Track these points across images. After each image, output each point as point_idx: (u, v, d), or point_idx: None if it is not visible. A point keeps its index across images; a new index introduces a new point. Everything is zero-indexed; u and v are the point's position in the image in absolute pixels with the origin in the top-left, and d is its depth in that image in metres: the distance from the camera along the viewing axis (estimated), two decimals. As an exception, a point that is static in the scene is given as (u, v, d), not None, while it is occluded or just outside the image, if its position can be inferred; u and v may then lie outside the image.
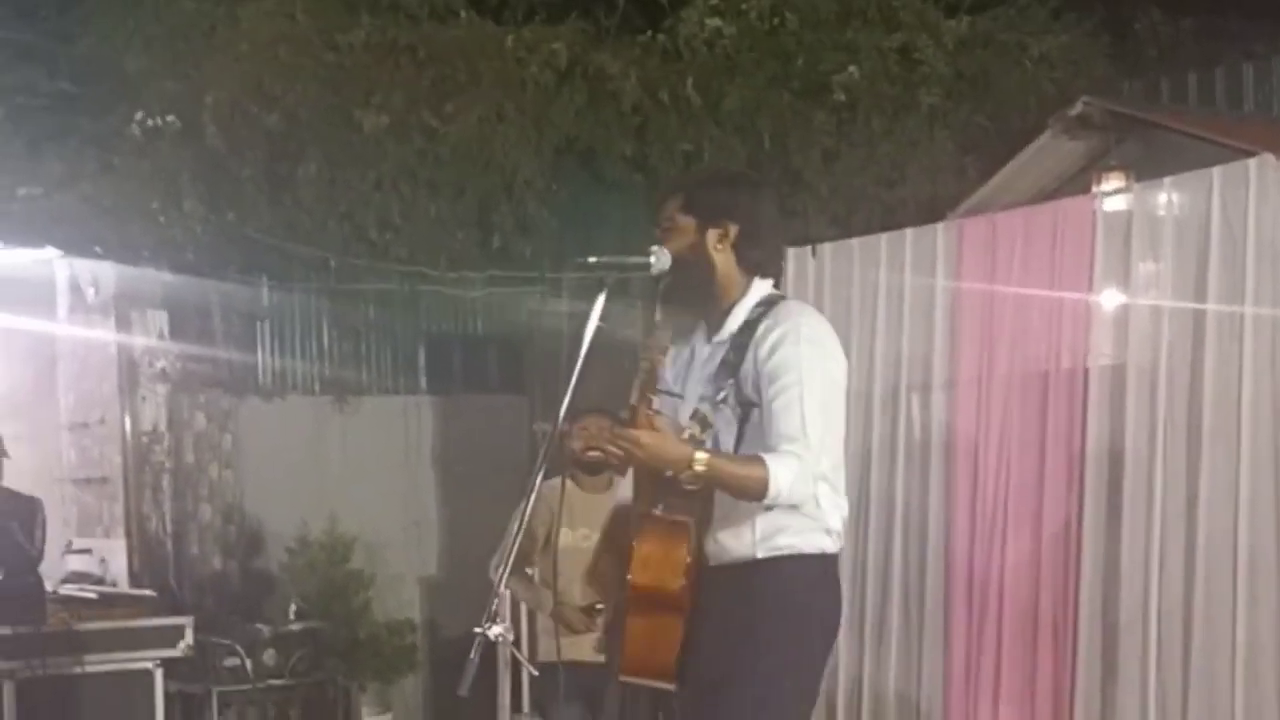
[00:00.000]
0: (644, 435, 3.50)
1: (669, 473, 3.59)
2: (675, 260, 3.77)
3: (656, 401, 3.72)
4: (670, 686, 3.77)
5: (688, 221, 3.81)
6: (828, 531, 3.77)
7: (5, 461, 7.63)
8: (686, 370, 3.90)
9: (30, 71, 10.17)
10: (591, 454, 5.76)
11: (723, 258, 3.81)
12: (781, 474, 3.56)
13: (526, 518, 3.65)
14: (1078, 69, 8.62)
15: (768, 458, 3.58)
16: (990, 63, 8.55)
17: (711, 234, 3.80)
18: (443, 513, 9.20)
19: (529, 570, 6.17)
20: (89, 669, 6.86)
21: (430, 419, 9.31)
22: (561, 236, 8.76)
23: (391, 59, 8.68)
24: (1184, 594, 5.47)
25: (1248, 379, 5.32)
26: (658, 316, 3.98)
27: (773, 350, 3.68)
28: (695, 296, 3.83)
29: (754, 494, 3.59)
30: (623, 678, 3.79)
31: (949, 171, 8.32)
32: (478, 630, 3.50)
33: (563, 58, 8.56)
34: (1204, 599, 5.40)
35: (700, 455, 3.53)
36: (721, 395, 3.68)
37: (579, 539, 5.94)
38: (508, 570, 3.67)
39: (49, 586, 8.03)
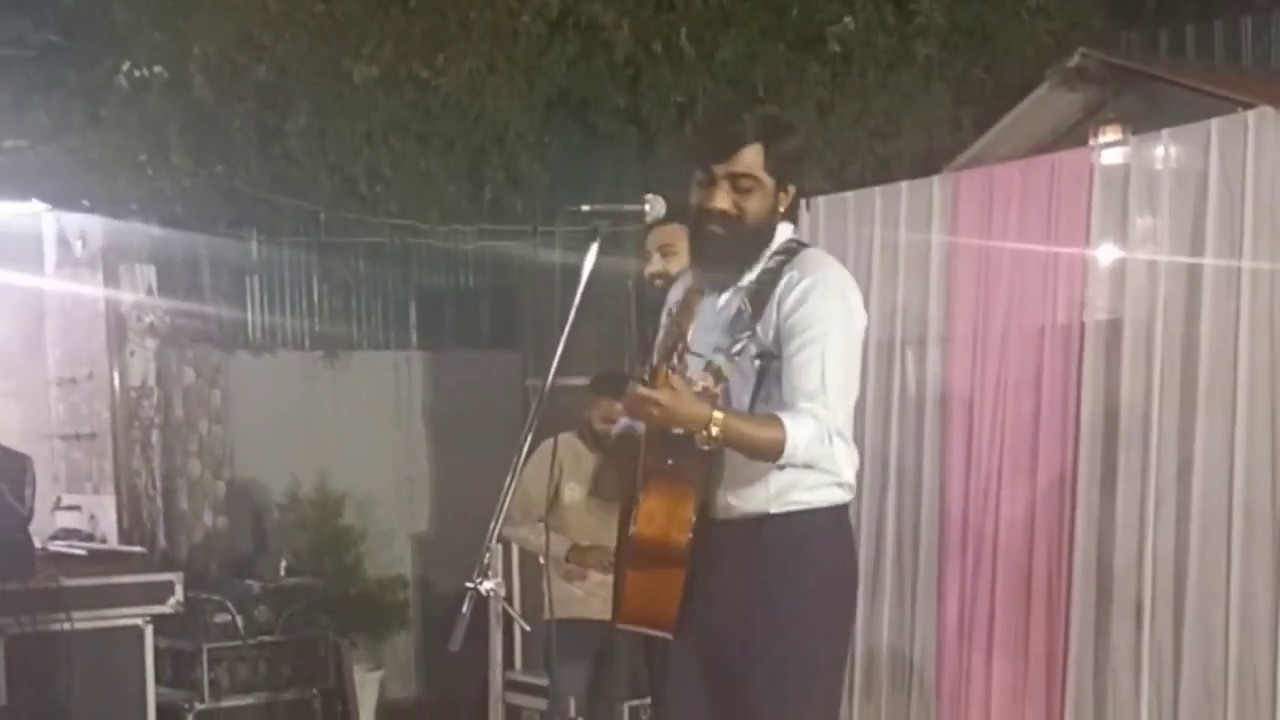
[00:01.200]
0: (662, 395, 3.39)
1: (684, 432, 3.50)
2: (750, 221, 3.63)
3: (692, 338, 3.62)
4: (667, 635, 3.73)
5: (769, 181, 3.67)
6: (841, 484, 3.71)
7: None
8: (689, 306, 3.79)
9: (17, 22, 10.05)
10: (601, 428, 5.74)
11: (778, 217, 3.72)
12: (799, 435, 3.48)
13: (518, 476, 3.60)
14: (1075, 21, 8.51)
15: (785, 418, 3.49)
16: (987, 14, 8.44)
17: (782, 195, 3.71)
18: (434, 469, 9.17)
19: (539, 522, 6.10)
20: (78, 625, 6.81)
21: (421, 374, 9.27)
22: (553, 189, 8.70)
23: (382, 9, 8.58)
24: (1178, 550, 5.43)
25: (1244, 334, 5.27)
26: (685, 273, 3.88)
27: (798, 303, 3.59)
28: (745, 254, 3.71)
29: (770, 455, 3.52)
30: (620, 625, 3.73)
31: (945, 124, 8.25)
32: (469, 585, 3.46)
33: (554, 8, 8.46)
34: (1199, 555, 5.37)
35: (717, 415, 3.43)
36: (738, 348, 3.59)
37: (586, 494, 5.92)
38: (498, 526, 3.62)
39: (38, 543, 8.00)
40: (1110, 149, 5.95)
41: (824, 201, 6.84)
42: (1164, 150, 5.59)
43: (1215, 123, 5.38)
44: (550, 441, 5.75)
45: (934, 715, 6.26)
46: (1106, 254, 5.83)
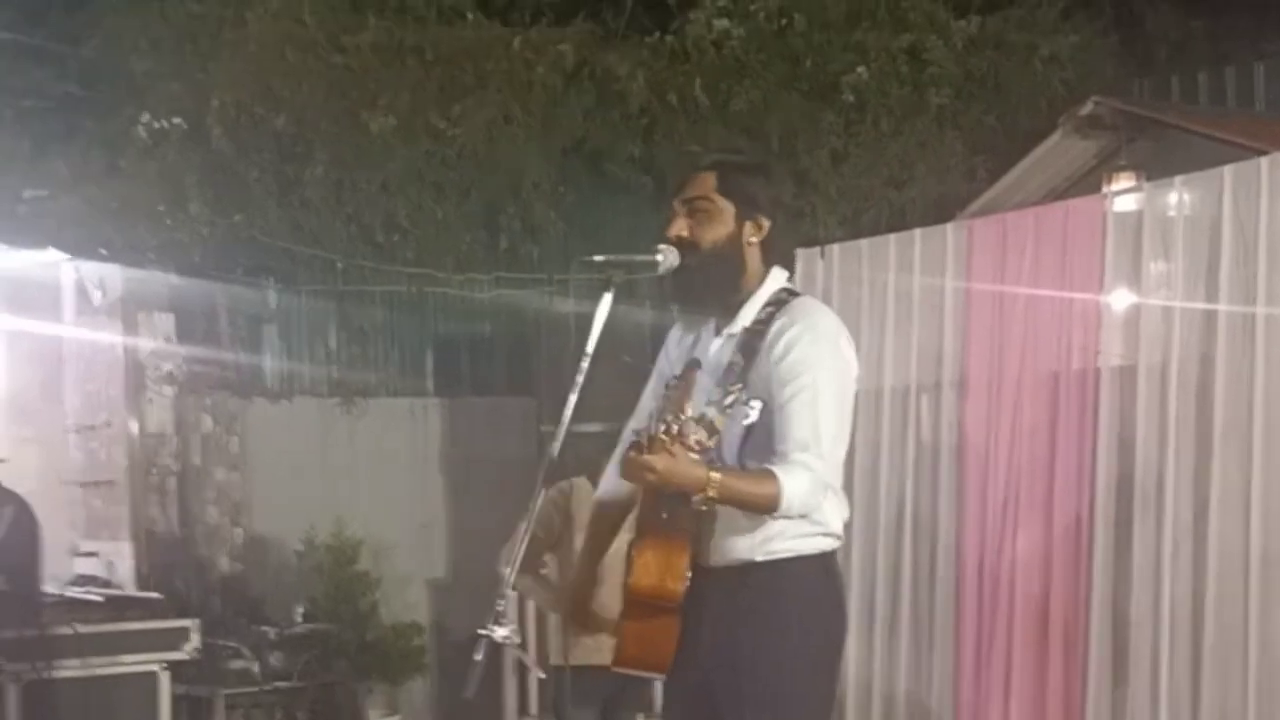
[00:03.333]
0: (658, 462, 3.41)
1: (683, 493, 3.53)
2: (706, 247, 3.67)
3: (689, 408, 3.59)
4: (659, 677, 3.83)
5: (726, 206, 3.70)
6: (827, 534, 3.72)
7: (10, 464, 7.59)
8: (689, 356, 3.81)
9: (37, 73, 10.17)
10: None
11: (752, 251, 3.72)
12: (793, 489, 3.50)
13: (532, 521, 3.62)
14: (1088, 69, 8.59)
15: (779, 472, 3.51)
16: (1000, 63, 8.52)
17: (748, 225, 3.71)
18: (450, 515, 9.17)
19: (543, 571, 6.11)
20: (95, 671, 6.80)
21: (438, 421, 9.27)
22: (569, 238, 8.75)
23: (399, 61, 8.68)
24: (1195, 594, 5.44)
25: (1260, 378, 5.28)
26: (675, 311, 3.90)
27: (787, 349, 3.60)
28: (715, 287, 3.72)
29: (765, 510, 3.54)
30: (616, 668, 3.78)
31: (958, 172, 8.30)
32: (483, 632, 3.48)
33: (570, 59, 8.56)
34: (1216, 599, 5.37)
35: (714, 476, 3.46)
36: (729, 400, 3.59)
37: None
38: (514, 573, 3.63)
39: (55, 589, 8.02)
40: (1124, 196, 6.00)
41: (838, 249, 6.89)
42: (1178, 197, 5.63)
43: (1229, 169, 5.42)
44: (561, 487, 5.74)
45: (952, 759, 6.25)
46: (1121, 300, 5.86)
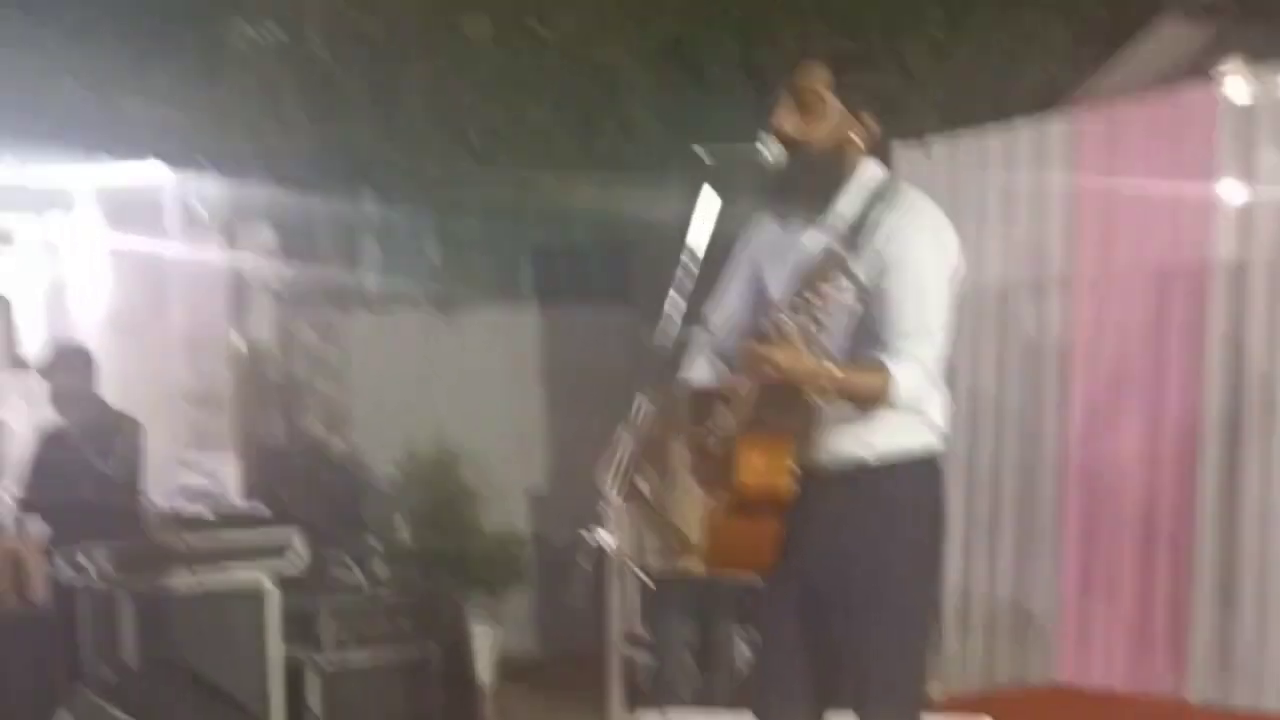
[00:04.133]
0: (779, 354, 3.39)
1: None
2: (810, 141, 3.57)
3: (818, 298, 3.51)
4: (758, 580, 3.75)
5: (834, 103, 3.60)
6: (933, 428, 3.66)
7: (117, 380, 7.69)
8: (783, 253, 3.71)
9: (133, -16, 10.19)
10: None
11: (854, 146, 3.63)
12: (904, 379, 3.46)
13: (634, 427, 3.55)
14: (1199, -50, 8.26)
15: (890, 363, 3.46)
16: (1105, -52, 8.22)
17: (856, 126, 3.62)
18: (550, 426, 9.15)
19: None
20: (202, 582, 6.89)
21: (537, 331, 9.25)
22: (667, 138, 8.60)
23: (494, -35, 8.56)
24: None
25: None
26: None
27: (890, 240, 3.52)
28: (814, 182, 3.63)
29: (877, 402, 3.49)
30: (712, 569, 3.70)
31: (1063, 61, 8.05)
32: (587, 536, 3.45)
33: (665, -44, 8.37)
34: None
35: (830, 370, 3.42)
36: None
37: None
38: (616, 480, 3.56)
39: (162, 502, 8.13)
40: (1235, 83, 5.74)
41: (939, 142, 6.69)
42: (1294, 82, 5.39)
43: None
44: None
45: (1056, 664, 6.13)
46: (1234, 193, 5.63)
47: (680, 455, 3.85)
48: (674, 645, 6.14)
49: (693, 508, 5.90)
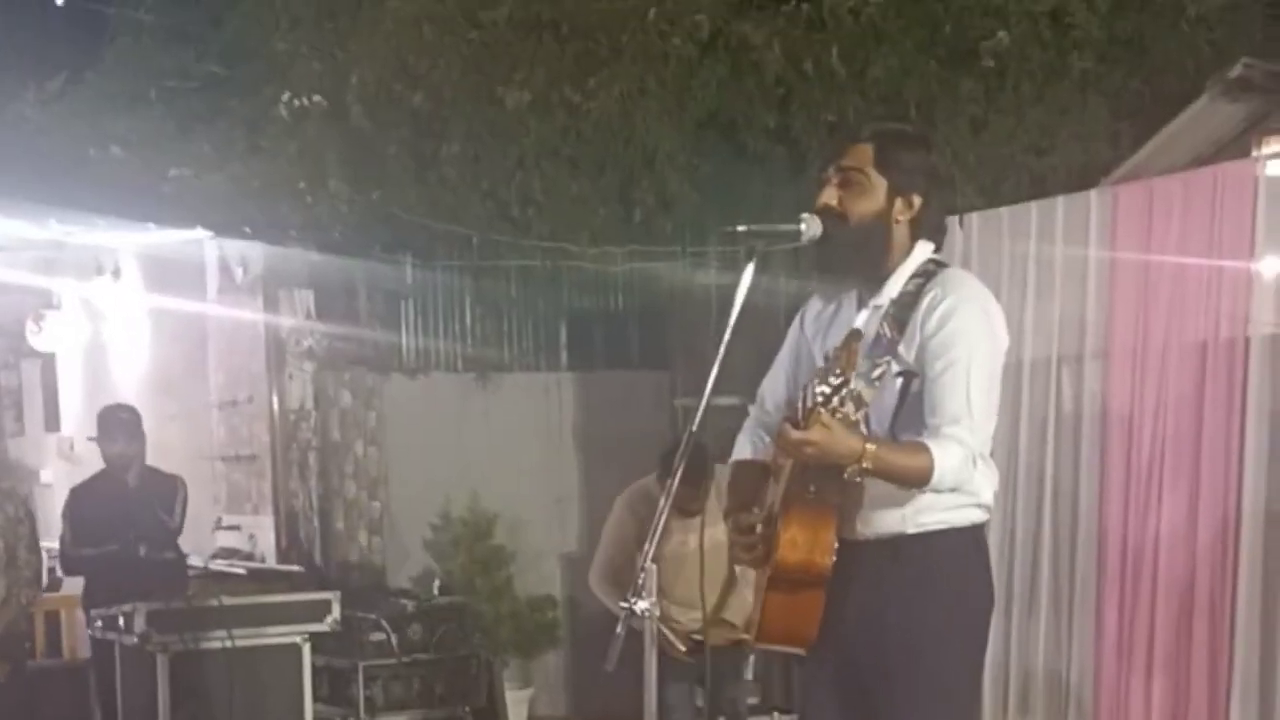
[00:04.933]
0: (816, 435, 3.36)
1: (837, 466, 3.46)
2: (855, 220, 3.61)
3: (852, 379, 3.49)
4: (802, 651, 3.74)
5: (880, 180, 3.64)
6: (979, 505, 3.67)
7: (156, 440, 7.75)
8: (828, 330, 3.77)
9: (180, 54, 10.36)
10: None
11: (900, 226, 3.67)
12: (946, 462, 3.47)
13: (670, 498, 3.56)
14: (1236, 29, 8.30)
15: (932, 445, 3.47)
16: (1145, 25, 8.26)
17: (899, 201, 3.66)
18: (584, 489, 9.19)
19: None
20: (239, 643, 6.92)
21: (572, 395, 9.31)
22: (703, 210, 8.68)
23: (534, 35, 8.66)
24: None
25: None
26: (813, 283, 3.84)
27: (942, 323, 3.55)
28: (860, 260, 3.67)
29: (917, 483, 3.51)
30: (759, 644, 3.75)
31: (1102, 138, 8.08)
32: (624, 604, 3.46)
33: (705, 29, 8.46)
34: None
35: (870, 449, 3.41)
36: (878, 372, 3.49)
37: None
38: (653, 546, 3.58)
39: (199, 562, 8.17)
40: (1275, 160, 5.79)
41: (978, 217, 6.74)
42: (1330, 159, 5.43)
43: (1385, 129, 5.21)
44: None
45: (1093, 737, 6.12)
46: (1272, 266, 5.66)
47: (722, 530, 3.90)
48: (680, 710, 6.25)
49: (731, 582, 5.96)
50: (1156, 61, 8.26)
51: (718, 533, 4.60)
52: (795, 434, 3.38)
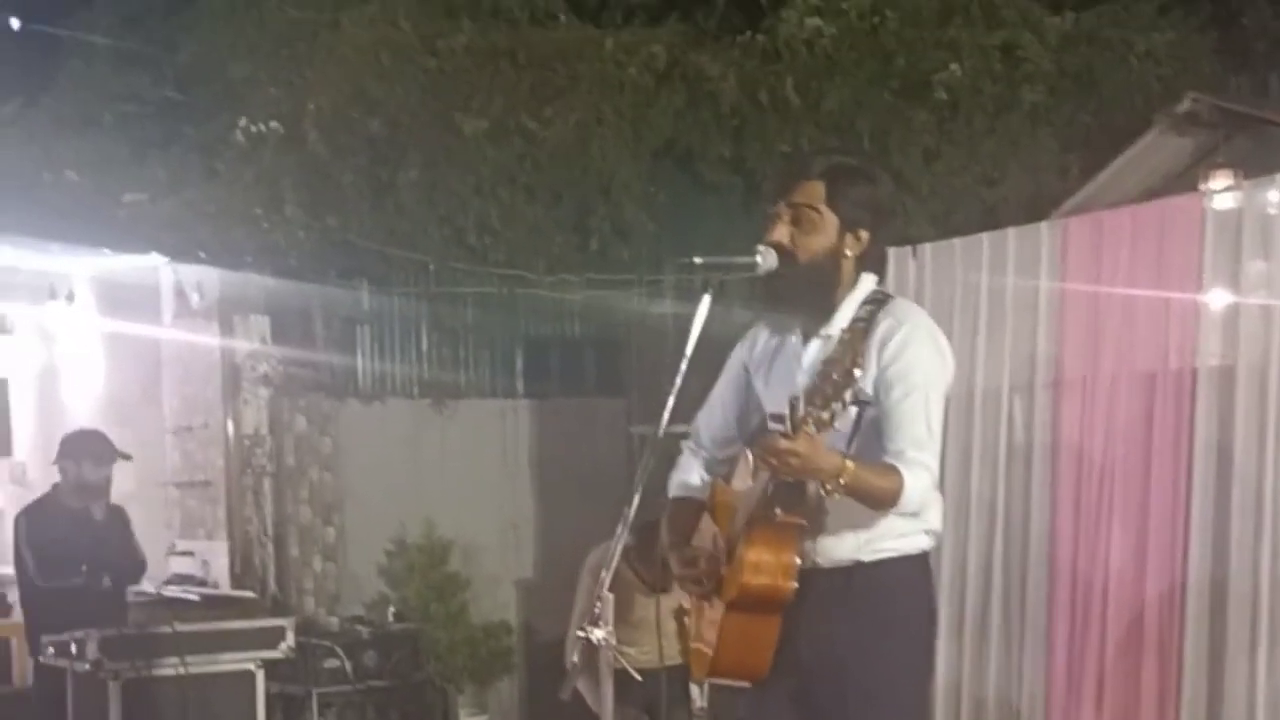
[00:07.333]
0: (802, 446, 3.37)
1: (813, 481, 3.50)
2: (805, 257, 3.64)
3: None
4: (747, 684, 3.74)
5: (831, 218, 3.67)
6: (929, 531, 3.74)
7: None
8: (772, 363, 3.81)
9: (136, 79, 10.35)
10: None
11: (849, 261, 3.71)
12: (913, 485, 3.52)
13: (627, 526, 3.58)
14: (1184, 65, 8.45)
15: (902, 468, 3.52)
16: (1094, 60, 8.41)
17: (849, 237, 3.69)
18: (540, 516, 9.20)
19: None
20: (192, 670, 6.88)
21: (528, 422, 9.31)
22: (659, 239, 8.74)
23: (491, 64, 8.72)
24: (1295, 602, 5.32)
25: (1361, 379, 5.17)
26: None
27: (900, 350, 3.60)
28: (808, 294, 3.70)
29: (887, 504, 3.55)
30: (709, 679, 3.78)
31: (1052, 170, 8.20)
32: (580, 633, 3.48)
33: (661, 59, 8.55)
34: (1317, 606, 5.25)
35: (849, 465, 3.44)
36: (848, 395, 3.48)
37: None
38: (611, 573, 3.59)
39: (152, 588, 8.13)
40: (1222, 194, 5.88)
41: (930, 248, 6.82)
42: (1277, 194, 5.52)
43: (1330, 165, 5.31)
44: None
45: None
46: (1219, 299, 5.75)
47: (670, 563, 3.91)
48: None
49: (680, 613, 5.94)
50: (1106, 95, 8.40)
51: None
52: (785, 443, 3.37)
